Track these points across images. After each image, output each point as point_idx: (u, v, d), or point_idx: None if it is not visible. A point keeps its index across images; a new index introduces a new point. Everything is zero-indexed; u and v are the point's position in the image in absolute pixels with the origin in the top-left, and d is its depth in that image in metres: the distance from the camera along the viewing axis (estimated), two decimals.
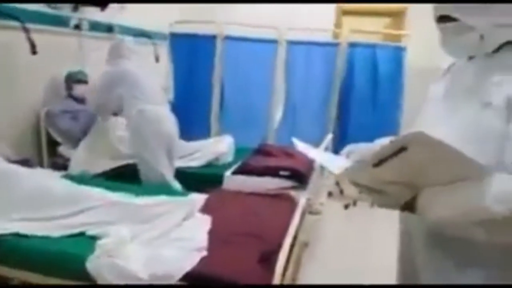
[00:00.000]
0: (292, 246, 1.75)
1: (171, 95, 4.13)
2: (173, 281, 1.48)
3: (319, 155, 1.36)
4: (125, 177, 2.59)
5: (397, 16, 4.79)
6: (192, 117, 3.96)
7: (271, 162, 2.72)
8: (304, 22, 4.13)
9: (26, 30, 2.55)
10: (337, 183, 3.78)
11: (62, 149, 2.90)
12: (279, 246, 1.60)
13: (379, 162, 0.81)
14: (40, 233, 1.72)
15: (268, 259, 1.55)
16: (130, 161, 2.75)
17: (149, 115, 2.56)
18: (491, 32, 0.93)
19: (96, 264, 1.53)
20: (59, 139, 2.89)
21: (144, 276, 1.47)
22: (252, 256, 1.58)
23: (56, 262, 1.60)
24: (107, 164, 2.71)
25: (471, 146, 0.82)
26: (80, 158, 2.71)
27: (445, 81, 1.08)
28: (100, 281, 1.50)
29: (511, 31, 0.94)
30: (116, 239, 1.61)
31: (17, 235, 1.70)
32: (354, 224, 3.51)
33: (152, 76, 2.94)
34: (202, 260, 1.57)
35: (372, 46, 3.87)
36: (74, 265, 1.56)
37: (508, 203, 0.78)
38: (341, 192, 3.76)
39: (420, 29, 4.27)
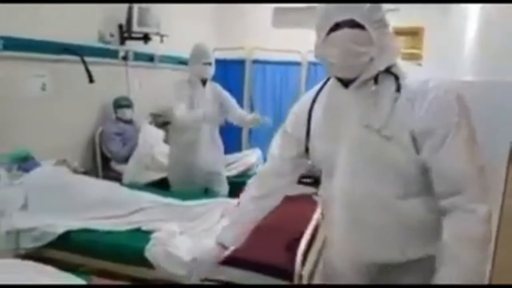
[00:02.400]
0: (313, 237, 2.05)
1: None
2: (213, 264, 1.80)
3: None
4: (168, 186, 2.98)
5: (414, 35, 5.05)
6: (226, 134, 4.33)
7: None
8: None
9: (84, 62, 3.03)
10: None
11: (113, 164, 3.33)
12: (301, 235, 1.90)
13: None
14: (104, 228, 2.10)
15: (292, 246, 1.86)
16: None
17: None
18: (383, 53, 1.07)
19: (152, 251, 1.88)
20: (110, 156, 3.33)
21: (189, 260, 1.81)
22: (279, 243, 1.89)
23: (119, 251, 1.97)
24: (153, 175, 3.09)
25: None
26: (130, 170, 3.11)
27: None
28: (155, 265, 1.85)
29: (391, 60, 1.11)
30: (167, 232, 1.97)
31: (85, 230, 2.09)
32: None
33: None
34: (236, 248, 1.89)
35: None
36: (134, 253, 1.92)
37: None
38: None
39: (435, 46, 4.57)
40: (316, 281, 1.72)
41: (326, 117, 1.24)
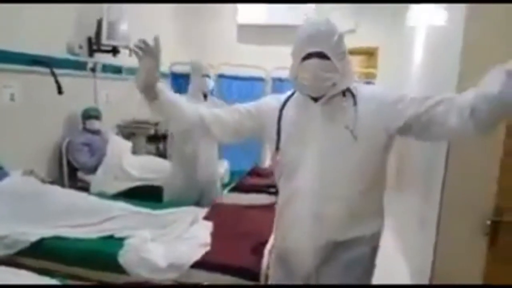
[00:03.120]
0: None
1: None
2: (185, 268, 1.93)
3: None
4: (136, 196, 3.05)
5: (370, 55, 5.43)
6: None
7: (262, 181, 3.20)
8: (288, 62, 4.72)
9: (54, 74, 3.07)
10: None
11: (80, 174, 3.36)
12: (266, 240, 2.06)
13: None
14: (76, 236, 2.16)
15: (258, 249, 2.01)
16: (139, 183, 3.23)
17: None
18: (344, 78, 1.36)
19: (125, 257, 1.98)
20: (77, 166, 3.35)
21: (163, 265, 1.92)
22: (245, 248, 2.04)
23: (91, 257, 2.04)
24: (121, 185, 3.15)
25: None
26: (99, 180, 3.16)
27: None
28: (129, 271, 1.94)
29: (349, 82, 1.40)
30: (140, 238, 2.06)
31: (57, 238, 2.14)
32: None
33: None
34: (206, 252, 2.03)
35: None
36: (107, 259, 2.00)
37: None
38: None
39: (387, 65, 4.93)
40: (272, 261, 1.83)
41: (295, 123, 1.47)
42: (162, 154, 4.30)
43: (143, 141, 4.25)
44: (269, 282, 1.74)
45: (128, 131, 4.12)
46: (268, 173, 3.46)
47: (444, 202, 1.87)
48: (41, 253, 2.08)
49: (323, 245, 1.45)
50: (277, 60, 4.82)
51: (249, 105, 1.60)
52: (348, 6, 5.20)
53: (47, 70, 3.05)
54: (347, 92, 1.41)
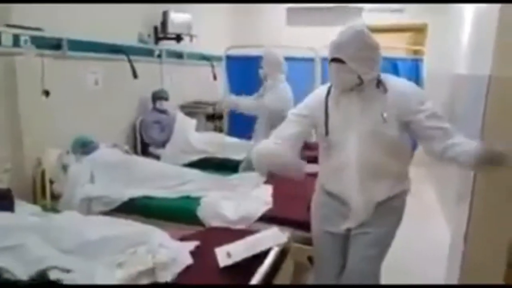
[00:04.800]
0: None
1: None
2: (252, 221, 2.29)
3: None
4: (201, 167, 3.45)
5: (419, 32, 5.47)
6: (244, 124, 4.79)
7: (311, 153, 3.49)
8: None
9: (130, 61, 3.51)
10: None
11: (151, 148, 3.82)
12: None
13: None
14: (160, 195, 2.59)
15: (309, 207, 2.33)
16: (203, 156, 3.64)
17: None
18: (365, 74, 1.65)
19: (202, 212, 2.37)
20: (149, 142, 3.82)
21: (234, 218, 2.29)
22: (299, 206, 2.36)
23: (174, 213, 2.45)
24: (189, 158, 3.57)
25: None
26: (168, 154, 3.60)
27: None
28: (205, 222, 2.33)
29: (374, 74, 1.67)
30: (213, 197, 2.45)
31: (145, 197, 2.58)
32: None
33: None
34: (269, 209, 2.38)
35: (394, 60, 4.57)
36: (187, 214, 2.41)
37: None
38: None
39: (437, 42, 4.99)
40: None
41: (339, 107, 1.79)
42: (219, 131, 4.71)
43: (203, 120, 4.67)
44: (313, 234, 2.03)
45: (189, 111, 4.53)
46: (316, 147, 3.75)
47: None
48: (132, 210, 2.51)
49: (368, 202, 1.78)
50: (324, 40, 5.05)
51: (300, 108, 1.91)
52: None
53: (122, 57, 3.50)
54: (379, 83, 1.70)
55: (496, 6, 1.83)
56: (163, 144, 3.77)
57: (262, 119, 3.52)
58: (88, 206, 2.56)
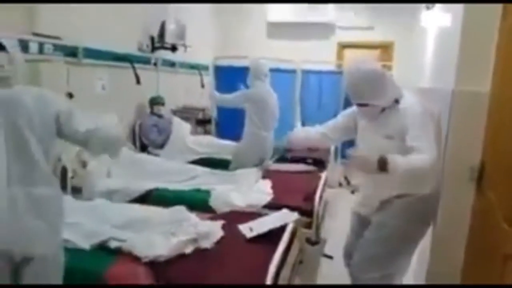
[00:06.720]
0: (321, 197, 2.95)
1: (214, 114, 5.34)
2: (258, 207, 2.67)
3: None
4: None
5: (386, 48, 6.09)
6: (229, 127, 5.14)
7: (299, 154, 3.94)
8: (315, 55, 5.46)
9: (134, 68, 3.82)
10: (345, 177, 5.00)
11: (150, 149, 4.12)
12: (315, 191, 2.80)
13: None
14: (173, 187, 2.92)
15: (308, 197, 2.75)
16: (199, 157, 3.98)
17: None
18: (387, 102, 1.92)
19: (214, 202, 2.73)
20: (147, 143, 4.12)
21: (242, 205, 2.67)
22: (299, 196, 2.78)
23: (189, 201, 2.76)
24: (188, 158, 3.91)
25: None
26: (166, 154, 3.92)
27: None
28: (218, 209, 2.69)
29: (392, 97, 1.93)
30: (222, 189, 2.82)
31: (160, 189, 2.91)
32: None
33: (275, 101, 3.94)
34: (272, 198, 2.78)
35: None
36: (200, 203, 2.75)
37: None
38: (348, 183, 4.96)
39: (403, 58, 5.59)
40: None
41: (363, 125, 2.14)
42: (208, 134, 5.07)
43: (193, 124, 5.00)
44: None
45: (180, 115, 4.86)
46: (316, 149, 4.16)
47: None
48: (150, 200, 2.83)
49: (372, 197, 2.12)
50: (304, 54, 5.56)
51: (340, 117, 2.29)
52: (366, 6, 5.87)
53: (124, 64, 3.80)
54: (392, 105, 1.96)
55: (459, 25, 2.23)
56: (161, 146, 4.09)
57: (249, 110, 3.81)
58: (108, 198, 2.85)
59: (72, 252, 1.80)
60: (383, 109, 1.95)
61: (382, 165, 1.71)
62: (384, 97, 1.90)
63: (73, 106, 1.63)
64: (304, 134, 2.39)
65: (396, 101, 1.95)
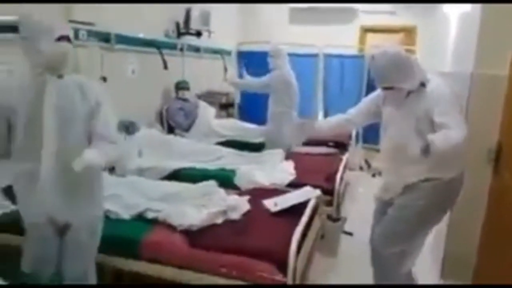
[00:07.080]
0: (342, 178, 3.07)
1: (237, 99, 5.48)
2: (282, 186, 2.81)
3: None
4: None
5: (409, 32, 6.07)
6: (251, 111, 5.28)
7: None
8: (337, 39, 5.50)
9: (161, 53, 3.97)
10: (366, 160, 5.08)
11: (177, 132, 4.30)
12: (336, 171, 2.92)
13: None
14: (200, 167, 3.09)
15: (329, 177, 2.87)
16: (224, 139, 4.14)
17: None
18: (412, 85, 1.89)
19: (240, 180, 2.88)
20: (174, 126, 4.30)
21: (266, 183, 2.81)
22: (320, 176, 2.91)
23: (215, 179, 2.90)
24: (213, 140, 4.07)
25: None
26: (192, 137, 4.09)
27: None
28: (242, 187, 2.84)
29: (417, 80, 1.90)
30: (247, 168, 2.97)
31: (188, 168, 3.07)
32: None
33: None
34: (294, 178, 2.91)
35: None
36: (225, 181, 2.90)
37: None
38: (369, 166, 5.04)
39: (426, 42, 5.57)
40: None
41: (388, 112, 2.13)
42: (231, 118, 5.22)
43: (216, 108, 5.15)
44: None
45: (204, 100, 5.01)
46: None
47: None
48: (179, 178, 2.99)
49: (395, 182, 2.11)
50: (326, 39, 5.62)
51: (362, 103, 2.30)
52: None
53: (151, 50, 3.96)
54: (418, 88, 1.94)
55: (479, 9, 2.28)
56: (187, 129, 4.26)
57: (277, 92, 3.95)
58: (139, 175, 3.04)
59: (114, 221, 1.99)
60: (408, 94, 1.95)
61: (426, 151, 1.70)
62: (411, 80, 1.90)
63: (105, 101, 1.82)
64: (327, 125, 2.38)
65: (423, 85, 1.95)
